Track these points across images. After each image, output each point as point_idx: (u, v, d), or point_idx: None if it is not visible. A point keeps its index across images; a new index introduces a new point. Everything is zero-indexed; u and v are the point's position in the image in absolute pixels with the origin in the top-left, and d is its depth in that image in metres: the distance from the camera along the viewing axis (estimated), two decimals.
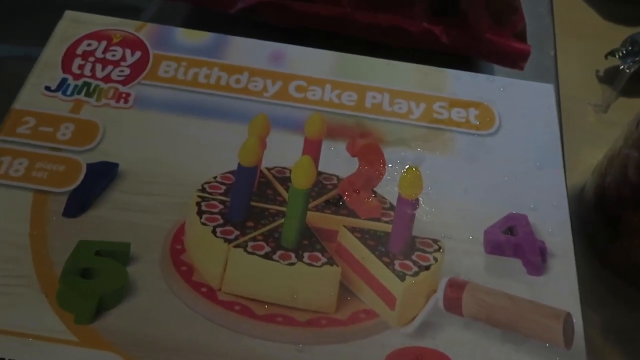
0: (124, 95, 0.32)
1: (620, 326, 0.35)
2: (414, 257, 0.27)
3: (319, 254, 0.27)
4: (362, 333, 0.26)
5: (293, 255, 0.27)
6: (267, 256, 0.27)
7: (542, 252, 0.28)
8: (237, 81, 0.33)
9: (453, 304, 0.26)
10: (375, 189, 0.30)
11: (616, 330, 0.35)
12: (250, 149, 0.29)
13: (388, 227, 0.28)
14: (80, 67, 0.32)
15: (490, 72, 0.43)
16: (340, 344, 0.25)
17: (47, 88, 0.32)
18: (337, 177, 0.30)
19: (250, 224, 0.28)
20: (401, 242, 0.28)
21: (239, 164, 0.28)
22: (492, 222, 0.29)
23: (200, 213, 0.28)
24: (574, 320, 0.26)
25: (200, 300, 0.26)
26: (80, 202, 0.28)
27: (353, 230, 0.28)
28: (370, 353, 0.25)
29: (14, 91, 0.32)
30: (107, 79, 0.32)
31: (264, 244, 0.27)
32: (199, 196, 0.28)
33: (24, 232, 0.27)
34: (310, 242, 0.28)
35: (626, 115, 0.38)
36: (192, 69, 0.33)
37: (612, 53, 0.45)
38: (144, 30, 0.34)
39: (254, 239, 0.27)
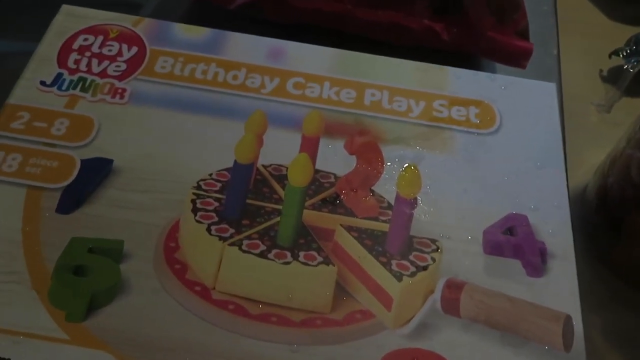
0: (119, 90, 0.31)
1: (621, 328, 0.35)
2: (411, 257, 0.27)
3: (315, 253, 0.27)
4: (358, 334, 0.25)
5: (289, 254, 0.27)
6: (262, 255, 0.26)
7: (542, 253, 0.28)
8: (235, 77, 0.32)
9: (451, 305, 0.26)
10: (373, 187, 0.29)
11: (617, 332, 0.35)
12: (246, 146, 0.28)
13: (385, 227, 0.28)
14: (76, 62, 0.32)
15: (492, 71, 0.42)
16: (336, 344, 0.25)
17: (42, 83, 0.31)
18: (335, 175, 0.30)
19: (245, 222, 0.28)
20: (399, 242, 0.27)
21: (235, 161, 0.28)
22: (492, 222, 0.28)
23: (195, 210, 0.27)
24: (574, 323, 0.26)
25: (193, 299, 0.25)
26: (73, 198, 0.28)
27: (350, 229, 0.28)
28: (366, 354, 0.25)
29: (12, 87, 0.32)
30: (103, 74, 0.32)
31: (260, 243, 0.27)
32: (194, 193, 0.28)
33: (16, 228, 0.27)
34: (306, 241, 0.27)
35: (629, 115, 0.37)
36: (189, 64, 0.33)
37: (616, 52, 0.44)
38: (141, 26, 0.34)
39: (249, 237, 0.27)
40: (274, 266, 0.26)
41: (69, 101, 0.31)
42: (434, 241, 0.28)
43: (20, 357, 0.24)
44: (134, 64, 0.32)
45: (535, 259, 0.27)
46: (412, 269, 0.27)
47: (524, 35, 0.39)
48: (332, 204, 0.29)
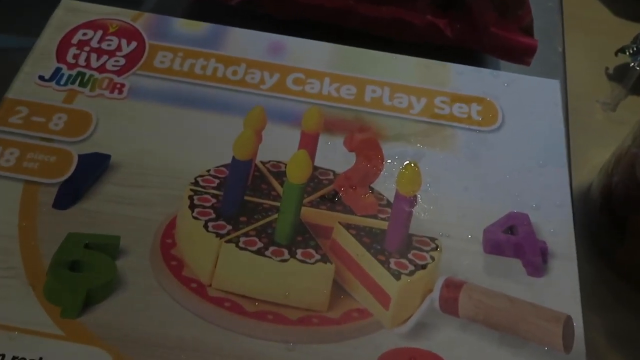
0: (118, 85, 0.31)
1: (623, 330, 0.34)
2: (410, 256, 0.27)
3: (312, 251, 0.26)
4: (355, 332, 0.25)
5: (286, 251, 0.26)
6: (259, 252, 0.26)
7: (543, 253, 0.27)
8: (234, 73, 0.32)
9: (449, 305, 0.26)
10: (372, 185, 0.29)
11: (619, 333, 0.34)
12: (245, 142, 0.28)
13: (384, 225, 0.28)
14: (75, 56, 0.32)
15: (496, 68, 0.42)
16: (332, 343, 0.25)
17: (41, 77, 0.31)
18: (334, 172, 0.29)
19: (243, 218, 0.27)
20: (397, 240, 0.27)
21: (233, 157, 0.28)
22: (493, 221, 0.28)
23: (192, 207, 0.27)
24: (575, 324, 0.26)
25: (189, 296, 0.25)
26: (70, 193, 0.28)
27: (348, 227, 0.27)
28: (363, 353, 0.25)
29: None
30: (101, 69, 0.32)
31: (257, 240, 0.27)
32: (191, 189, 0.28)
33: (13, 222, 0.27)
34: (304, 238, 0.27)
35: (635, 113, 0.37)
36: (188, 59, 0.32)
37: (622, 50, 0.44)
38: (141, 20, 0.34)
39: (246, 234, 0.27)
40: (271, 264, 0.26)
41: (67, 96, 0.31)
42: (433, 240, 0.27)
43: (15, 353, 0.23)
44: (133, 58, 0.32)
45: (535, 258, 0.27)
46: (411, 267, 0.26)
47: (529, 31, 0.38)
48: (330, 201, 0.28)
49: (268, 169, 0.29)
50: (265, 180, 0.29)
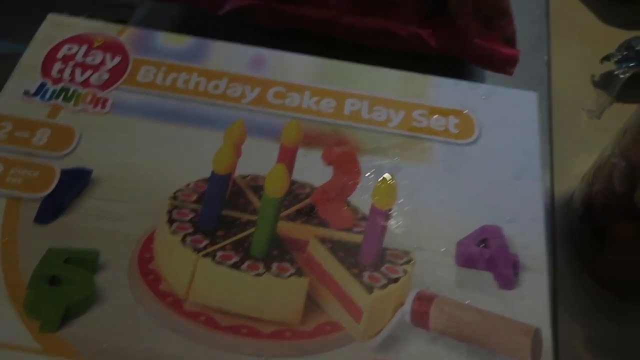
0: (101, 100, 0.32)
1: (603, 337, 0.35)
2: (383, 269, 0.27)
3: (287, 264, 0.27)
4: (327, 346, 0.26)
5: (262, 265, 0.27)
6: (235, 266, 0.27)
7: (515, 266, 0.28)
8: (216, 87, 0.33)
9: (420, 318, 0.26)
10: (349, 198, 0.29)
11: (599, 341, 0.35)
12: (224, 157, 0.29)
13: (359, 238, 0.28)
14: (60, 71, 0.32)
15: (482, 77, 0.42)
16: (304, 356, 0.25)
17: (26, 92, 0.32)
18: (311, 186, 0.30)
19: (221, 232, 0.28)
20: (372, 254, 0.28)
21: (212, 171, 0.28)
22: (467, 234, 0.29)
23: (171, 221, 0.28)
24: (543, 336, 0.26)
25: (165, 311, 0.26)
26: (52, 208, 0.28)
27: (324, 240, 0.28)
28: None
29: None
30: (86, 83, 0.32)
31: (233, 254, 0.27)
32: (171, 204, 0.28)
33: None
34: (279, 252, 0.27)
35: (620, 121, 0.37)
36: (171, 73, 0.33)
37: (607, 58, 0.44)
38: (126, 34, 0.34)
39: (223, 249, 0.27)
40: (246, 278, 0.26)
41: (52, 111, 0.31)
42: (407, 253, 0.28)
43: None
44: (116, 73, 0.33)
45: (507, 271, 0.27)
46: (384, 281, 0.27)
47: (511, 42, 0.39)
48: (307, 214, 0.29)
49: (247, 183, 0.30)
50: (243, 194, 0.29)
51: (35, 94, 0.32)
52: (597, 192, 0.36)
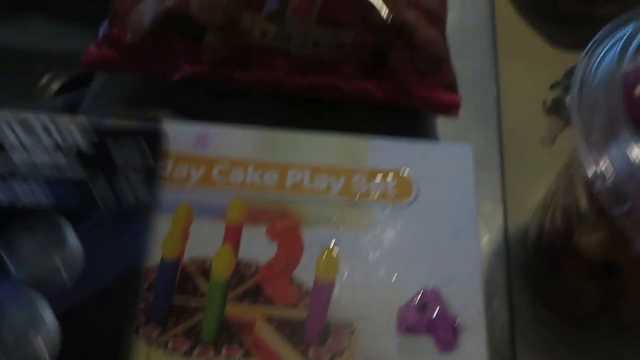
0: None
1: None
2: (329, 343, 0.28)
3: (237, 347, 0.28)
4: None
5: (212, 350, 0.28)
6: (186, 355, 0.28)
7: (454, 329, 0.29)
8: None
9: None
10: (294, 273, 0.31)
11: None
12: (172, 242, 0.30)
13: (305, 314, 0.29)
14: None
15: (434, 118, 0.43)
16: None
17: None
18: (257, 264, 0.31)
19: (172, 319, 0.29)
20: (316, 329, 0.29)
21: (161, 258, 0.30)
22: (408, 299, 0.30)
23: None
24: None
25: None
26: None
27: (270, 320, 0.29)
28: None
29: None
30: None
31: (184, 341, 0.28)
32: None
33: None
34: (229, 335, 0.29)
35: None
36: None
37: (555, 86, 0.45)
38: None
39: (175, 336, 0.29)
40: None
41: None
42: (350, 324, 0.29)
43: None
44: None
45: (446, 335, 0.29)
46: (328, 356, 0.28)
47: (453, 88, 0.40)
48: (254, 293, 0.30)
49: (195, 267, 0.31)
50: (191, 279, 0.31)
51: None
52: (547, 230, 0.37)
